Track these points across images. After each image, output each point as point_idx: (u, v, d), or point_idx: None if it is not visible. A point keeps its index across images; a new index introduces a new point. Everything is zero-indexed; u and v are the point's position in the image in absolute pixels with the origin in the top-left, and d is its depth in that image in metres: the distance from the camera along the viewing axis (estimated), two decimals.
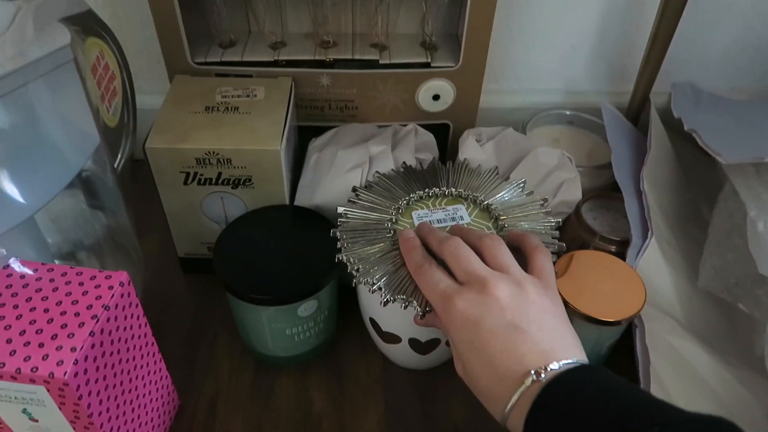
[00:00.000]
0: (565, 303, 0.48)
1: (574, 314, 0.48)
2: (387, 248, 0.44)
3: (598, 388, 0.31)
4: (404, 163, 0.53)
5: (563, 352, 0.35)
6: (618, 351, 0.52)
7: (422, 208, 0.49)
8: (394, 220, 0.47)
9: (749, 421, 0.46)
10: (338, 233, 0.46)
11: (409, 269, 0.42)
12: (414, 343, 0.47)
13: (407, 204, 0.49)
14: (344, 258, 0.44)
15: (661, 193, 0.60)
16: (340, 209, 0.47)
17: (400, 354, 0.50)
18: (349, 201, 0.49)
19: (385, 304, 0.41)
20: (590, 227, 0.57)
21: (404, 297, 0.41)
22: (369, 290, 0.42)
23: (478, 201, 0.49)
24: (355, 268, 0.43)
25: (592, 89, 0.72)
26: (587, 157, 0.66)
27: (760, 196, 0.48)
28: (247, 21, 0.61)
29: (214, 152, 0.50)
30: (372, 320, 0.48)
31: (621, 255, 0.55)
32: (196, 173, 0.51)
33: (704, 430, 0.27)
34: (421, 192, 0.49)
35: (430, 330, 0.46)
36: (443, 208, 0.49)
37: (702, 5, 0.65)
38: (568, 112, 0.69)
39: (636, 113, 0.69)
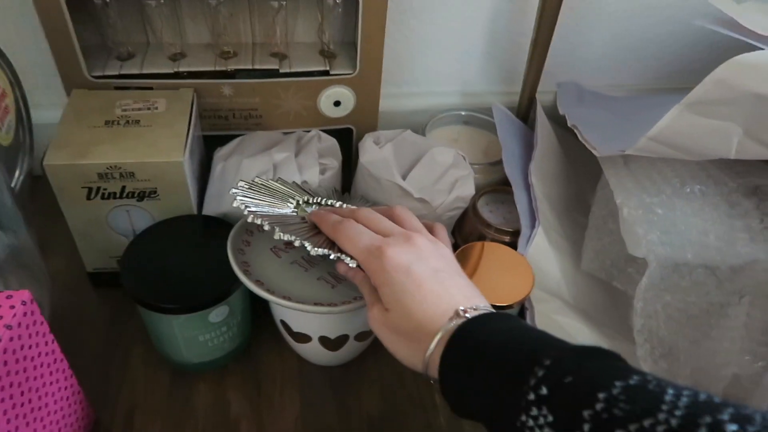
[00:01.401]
0: None
1: None
2: (297, 219, 0.47)
3: (507, 327, 0.34)
4: (279, 178, 0.54)
5: (480, 299, 0.39)
6: None
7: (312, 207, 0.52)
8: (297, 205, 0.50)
9: None
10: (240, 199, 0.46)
11: (326, 231, 0.44)
12: (324, 341, 0.50)
13: (297, 204, 0.51)
14: (254, 218, 0.44)
15: (549, 184, 0.66)
16: (237, 199, 0.46)
17: (312, 352, 0.52)
18: (239, 197, 0.47)
19: (326, 256, 0.43)
20: (485, 220, 0.62)
21: (327, 251, 0.42)
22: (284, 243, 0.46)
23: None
24: (267, 223, 0.44)
25: (485, 90, 0.77)
26: (483, 154, 0.71)
27: (626, 185, 0.54)
28: (144, 32, 0.61)
29: (116, 166, 0.50)
30: (283, 322, 0.50)
31: (514, 244, 0.60)
32: (99, 188, 0.51)
33: (593, 356, 0.30)
34: (306, 197, 0.52)
35: (338, 327, 0.49)
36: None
37: (577, 12, 0.71)
38: (464, 113, 0.74)
39: (525, 111, 0.75)
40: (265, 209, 0.47)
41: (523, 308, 0.55)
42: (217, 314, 0.49)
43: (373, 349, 0.55)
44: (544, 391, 0.29)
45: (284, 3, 0.59)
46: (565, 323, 0.54)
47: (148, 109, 0.55)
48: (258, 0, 0.59)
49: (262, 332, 0.57)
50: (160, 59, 0.60)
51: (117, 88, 0.58)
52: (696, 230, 0.51)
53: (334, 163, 0.59)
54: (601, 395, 0.27)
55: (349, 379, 0.55)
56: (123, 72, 0.58)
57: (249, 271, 0.46)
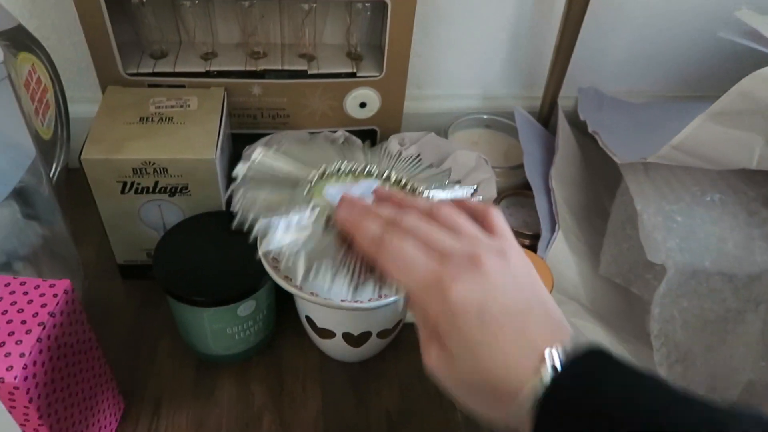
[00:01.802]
0: None
1: None
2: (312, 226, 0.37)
3: (619, 383, 0.26)
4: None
5: (565, 327, 0.30)
6: None
7: (335, 183, 0.42)
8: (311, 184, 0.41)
9: None
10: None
11: (364, 248, 0.33)
12: (347, 337, 0.51)
13: (320, 177, 0.42)
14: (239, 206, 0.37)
15: (569, 189, 0.67)
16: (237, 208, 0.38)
17: (335, 348, 0.53)
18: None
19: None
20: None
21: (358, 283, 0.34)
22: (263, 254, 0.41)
23: (397, 180, 0.43)
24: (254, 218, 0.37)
25: (507, 94, 0.78)
26: (504, 158, 0.72)
27: (645, 191, 0.55)
28: (177, 31, 0.63)
29: (150, 162, 0.52)
30: (308, 317, 0.52)
31: (533, 247, 0.61)
32: (133, 183, 0.53)
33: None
34: (339, 164, 0.43)
35: (362, 324, 0.50)
36: (356, 184, 0.42)
37: (600, 18, 0.72)
38: (485, 116, 0.75)
39: (546, 116, 0.76)
40: (270, 218, 0.37)
41: None
42: (245, 308, 0.50)
43: (393, 346, 0.57)
44: None
45: (314, 6, 0.60)
46: (582, 326, 0.55)
47: (181, 106, 0.57)
48: (288, 2, 0.60)
49: (285, 326, 0.58)
50: (192, 58, 0.61)
51: (150, 85, 0.60)
52: (715, 238, 0.52)
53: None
54: None
55: (368, 376, 0.56)
56: (156, 70, 0.59)
57: (278, 267, 0.47)
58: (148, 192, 0.54)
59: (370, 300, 0.46)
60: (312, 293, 0.46)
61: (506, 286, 0.30)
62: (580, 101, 0.77)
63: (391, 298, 0.46)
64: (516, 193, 0.67)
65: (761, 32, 0.52)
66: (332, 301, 0.45)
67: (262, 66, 0.61)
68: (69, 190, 0.56)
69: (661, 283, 0.51)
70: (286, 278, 0.47)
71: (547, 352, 0.28)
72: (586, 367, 0.27)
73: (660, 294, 0.51)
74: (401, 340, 0.57)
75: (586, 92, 0.79)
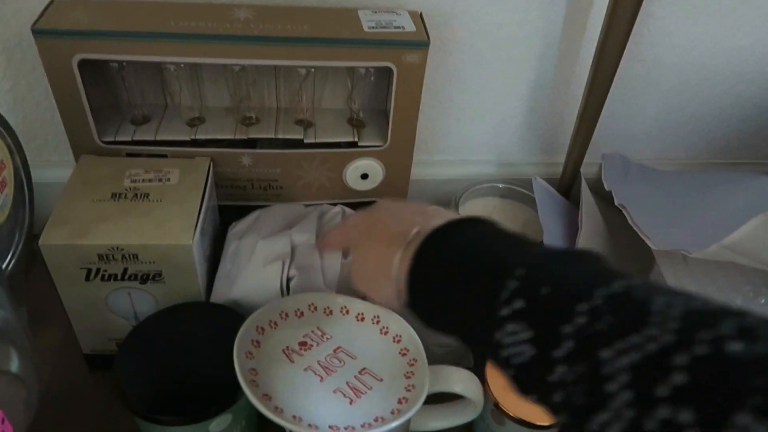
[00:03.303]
0: (497, 406, 0.46)
1: (506, 417, 0.45)
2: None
3: (475, 235, 0.32)
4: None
5: (445, 212, 0.36)
6: None
7: None
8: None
9: None
10: None
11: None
12: None
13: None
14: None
15: None
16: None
17: None
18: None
19: None
20: None
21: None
22: None
23: None
24: None
25: (524, 160, 0.72)
26: (521, 232, 0.65)
27: (686, 288, 0.47)
28: (162, 94, 0.57)
29: (118, 248, 0.45)
30: None
31: None
32: (98, 269, 0.46)
33: (569, 260, 0.27)
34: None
35: None
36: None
37: (626, 83, 0.66)
38: (500, 185, 0.68)
39: (568, 185, 0.69)
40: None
41: None
42: (220, 423, 0.43)
43: None
44: (518, 305, 0.26)
45: (312, 70, 0.54)
46: None
47: (160, 180, 0.51)
48: (285, 66, 0.55)
49: None
50: (176, 124, 0.55)
51: (129, 154, 0.54)
52: None
53: None
54: (581, 307, 0.24)
55: None
56: (136, 138, 0.54)
57: (256, 382, 0.40)
58: (116, 279, 0.47)
59: (363, 426, 0.39)
60: (295, 417, 0.39)
61: (389, 207, 0.39)
62: (604, 169, 0.70)
63: (388, 425, 0.39)
64: None
65: None
66: (318, 431, 0.38)
67: (253, 134, 0.55)
68: (32, 268, 0.49)
69: None
70: (265, 396, 0.40)
71: (417, 228, 0.34)
72: (454, 226, 0.32)
73: None
74: None
75: (611, 159, 0.72)
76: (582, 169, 0.68)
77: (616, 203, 0.62)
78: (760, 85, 0.68)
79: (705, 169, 0.76)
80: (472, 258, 0.29)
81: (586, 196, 0.64)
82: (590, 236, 0.62)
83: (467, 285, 0.29)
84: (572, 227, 0.62)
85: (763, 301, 0.46)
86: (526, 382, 0.26)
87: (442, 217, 0.35)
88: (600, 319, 0.23)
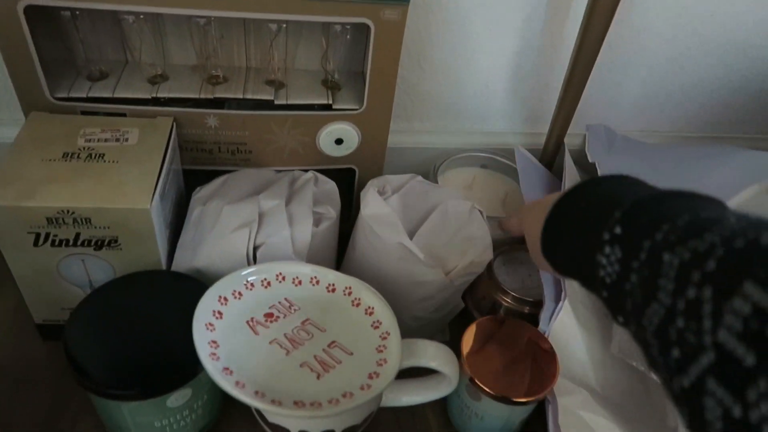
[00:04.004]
0: (473, 381, 0.44)
1: (481, 392, 0.44)
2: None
3: (606, 183, 0.34)
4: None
5: None
6: (530, 423, 0.48)
7: None
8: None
9: None
10: None
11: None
12: None
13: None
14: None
15: None
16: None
17: None
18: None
19: None
20: (502, 286, 0.53)
21: None
22: None
23: None
24: None
25: (506, 130, 0.69)
26: (502, 205, 0.62)
27: None
28: (122, 49, 0.53)
29: (68, 210, 0.42)
30: (257, 410, 0.42)
31: (535, 316, 0.52)
32: (48, 234, 0.43)
33: (676, 195, 0.29)
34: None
35: (322, 424, 0.40)
36: None
37: (615, 50, 0.63)
38: (482, 155, 0.66)
39: (551, 156, 0.66)
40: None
41: (543, 401, 0.46)
42: (178, 398, 0.40)
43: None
44: (618, 230, 0.29)
45: (284, 25, 0.51)
46: (592, 421, 0.46)
47: (117, 140, 0.47)
48: (254, 21, 0.51)
49: (235, 409, 0.48)
50: (137, 81, 0.52)
51: (84, 112, 0.50)
52: None
53: (332, 212, 0.51)
54: (664, 226, 0.27)
55: None
56: (92, 95, 0.50)
57: (216, 355, 0.38)
58: (67, 245, 0.44)
59: (330, 402, 0.37)
60: (258, 393, 0.36)
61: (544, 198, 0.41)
62: (588, 140, 0.68)
63: (357, 402, 0.36)
64: (515, 248, 0.57)
65: None
66: (282, 407, 0.35)
67: (220, 93, 0.52)
68: None
69: None
70: (226, 370, 0.37)
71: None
72: (592, 181, 0.35)
73: None
74: (372, 425, 0.47)
75: (596, 130, 0.70)
76: (566, 140, 0.65)
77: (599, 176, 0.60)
78: (750, 55, 0.66)
79: (689, 143, 0.74)
80: (598, 198, 0.33)
81: (569, 167, 0.62)
82: None
83: (584, 219, 0.32)
84: None
85: None
86: (614, 302, 0.29)
87: None
88: (674, 233, 0.26)
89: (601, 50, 0.57)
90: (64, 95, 0.49)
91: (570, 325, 0.50)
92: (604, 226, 0.30)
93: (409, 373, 0.43)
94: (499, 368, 0.45)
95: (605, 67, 0.64)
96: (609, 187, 0.34)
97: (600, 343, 0.51)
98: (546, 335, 0.48)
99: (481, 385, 0.43)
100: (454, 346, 0.45)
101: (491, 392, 0.43)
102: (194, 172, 0.55)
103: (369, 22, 0.48)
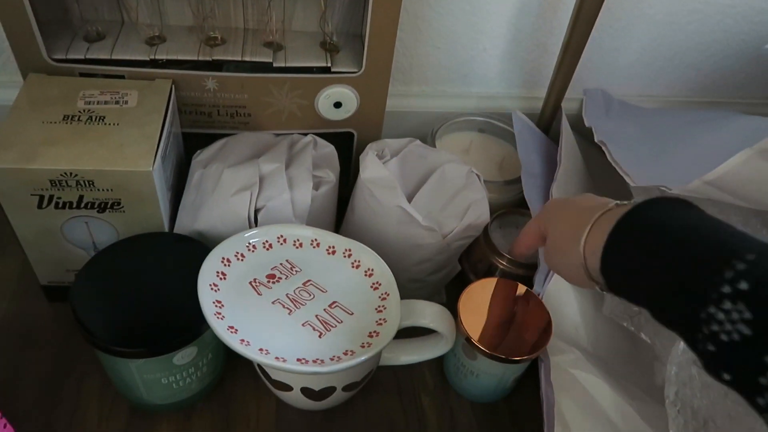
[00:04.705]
0: (469, 341, 0.45)
1: (477, 351, 0.45)
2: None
3: (690, 213, 0.31)
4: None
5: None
6: (523, 381, 0.50)
7: None
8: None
9: None
10: None
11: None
12: (307, 391, 0.43)
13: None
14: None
15: None
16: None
17: (293, 400, 0.45)
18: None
19: None
20: (497, 248, 0.54)
21: None
22: None
23: None
24: None
25: (504, 93, 0.69)
26: (498, 169, 0.63)
27: None
28: (118, 9, 0.52)
29: (71, 173, 0.42)
30: (260, 367, 0.43)
31: (529, 278, 0.53)
32: (51, 196, 0.44)
33: None
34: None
35: (324, 380, 0.42)
36: None
37: (614, 13, 0.63)
38: (479, 119, 0.66)
39: (548, 120, 0.67)
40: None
41: (537, 359, 0.48)
42: (184, 356, 0.41)
43: (363, 394, 0.49)
44: (743, 286, 0.26)
45: None
46: (583, 379, 0.47)
47: (117, 102, 0.47)
48: None
49: (239, 367, 0.50)
50: (134, 43, 0.51)
51: (82, 74, 0.50)
52: None
53: (331, 176, 0.51)
54: None
55: (333, 427, 0.48)
56: (90, 56, 0.49)
57: (221, 314, 0.39)
58: (71, 207, 0.44)
59: (332, 359, 0.38)
60: (262, 350, 0.37)
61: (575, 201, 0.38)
62: (585, 105, 0.68)
63: (358, 359, 0.38)
64: (510, 211, 0.58)
65: None
66: (286, 363, 0.37)
67: (218, 55, 0.52)
68: None
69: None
70: (231, 329, 0.38)
71: (615, 202, 0.34)
72: (661, 202, 0.32)
73: (680, 350, 0.43)
74: (371, 383, 0.49)
75: (593, 94, 0.70)
76: (563, 105, 0.66)
77: (596, 140, 0.61)
78: (749, 19, 0.66)
79: (686, 107, 0.74)
80: (691, 233, 0.29)
81: (566, 131, 0.63)
82: (569, 173, 0.60)
83: (682, 257, 0.29)
84: (551, 164, 0.61)
85: None
86: (730, 361, 0.27)
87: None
88: None
89: (600, 14, 0.57)
90: (61, 56, 0.49)
91: (563, 288, 0.51)
92: (722, 276, 0.27)
93: (407, 333, 0.45)
94: (495, 328, 0.46)
95: (604, 31, 0.64)
96: (693, 217, 0.31)
97: (592, 304, 0.53)
98: (540, 297, 0.50)
99: (477, 344, 0.45)
100: (451, 307, 0.46)
101: (486, 351, 0.45)
102: (193, 135, 0.55)
103: None
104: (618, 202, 0.34)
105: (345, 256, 0.46)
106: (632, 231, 0.31)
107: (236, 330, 0.38)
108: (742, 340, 0.26)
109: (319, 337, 0.40)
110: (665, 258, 0.29)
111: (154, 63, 0.51)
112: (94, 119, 0.45)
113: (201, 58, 0.51)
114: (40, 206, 0.44)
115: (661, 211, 0.31)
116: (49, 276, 0.50)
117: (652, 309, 0.31)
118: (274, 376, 0.42)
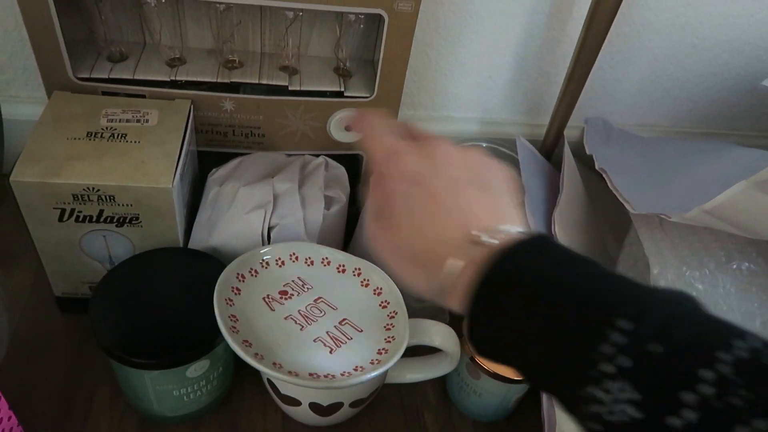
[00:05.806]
0: (473, 360, 0.46)
1: (481, 371, 0.46)
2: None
3: (564, 263, 0.27)
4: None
5: (512, 217, 0.31)
6: (525, 401, 0.51)
7: None
8: None
9: None
10: None
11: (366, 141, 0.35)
12: (315, 407, 0.44)
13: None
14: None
15: (571, 232, 0.60)
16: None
17: (301, 415, 0.46)
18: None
19: None
20: None
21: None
22: None
23: None
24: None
25: (508, 120, 0.71)
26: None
27: (662, 251, 0.48)
28: (141, 31, 0.54)
29: (94, 188, 0.44)
30: (270, 381, 0.45)
31: None
32: (73, 210, 0.45)
33: (677, 310, 0.24)
34: None
35: (332, 396, 0.43)
36: None
37: (616, 46, 0.65)
38: (483, 144, 0.68)
39: (551, 147, 0.69)
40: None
41: None
42: (197, 369, 0.43)
43: (367, 410, 0.50)
44: (625, 363, 0.23)
45: (300, 14, 0.52)
46: None
47: (138, 121, 0.49)
48: (271, 8, 0.52)
49: (246, 381, 0.51)
50: (156, 64, 0.53)
51: (105, 93, 0.52)
52: (740, 312, 0.46)
53: (342, 196, 0.53)
54: (704, 374, 0.22)
55: None
56: (113, 76, 0.51)
57: (236, 328, 0.40)
58: (90, 221, 0.46)
59: (343, 375, 0.39)
60: (275, 364, 0.39)
61: (455, 165, 0.32)
62: (586, 132, 0.70)
63: (369, 375, 0.39)
64: None
65: None
66: (299, 377, 0.38)
67: (236, 78, 0.53)
68: (7, 201, 0.47)
69: None
70: (245, 343, 0.39)
71: (475, 232, 0.29)
72: (530, 247, 0.28)
73: None
74: (375, 400, 0.50)
75: (594, 123, 0.72)
76: (565, 132, 0.68)
77: (596, 167, 0.63)
78: (746, 54, 0.68)
79: (684, 138, 0.76)
80: (564, 295, 0.26)
81: (568, 158, 0.64)
82: (570, 199, 0.62)
83: (555, 326, 0.25)
84: (553, 189, 0.62)
85: (734, 266, 0.47)
86: None
87: (510, 216, 0.31)
88: (733, 393, 0.21)
89: (603, 47, 0.59)
90: (86, 75, 0.51)
91: None
92: (600, 352, 0.23)
93: (413, 352, 0.46)
94: None
95: (605, 63, 0.66)
96: (558, 266, 0.27)
97: None
98: None
99: (480, 364, 0.46)
100: (455, 327, 0.48)
101: (490, 371, 0.46)
102: (208, 153, 0.56)
103: (383, 12, 0.50)
104: (487, 235, 0.29)
105: (355, 275, 0.47)
106: (496, 294, 0.27)
107: (251, 344, 0.39)
108: (633, 422, 0.23)
109: (330, 353, 0.41)
110: (536, 327, 0.26)
111: (174, 84, 0.52)
112: (116, 136, 0.47)
113: (219, 80, 0.53)
114: (60, 219, 0.45)
115: (526, 264, 0.27)
116: (64, 287, 0.51)
117: (529, 380, 0.28)
118: (284, 390, 0.44)
